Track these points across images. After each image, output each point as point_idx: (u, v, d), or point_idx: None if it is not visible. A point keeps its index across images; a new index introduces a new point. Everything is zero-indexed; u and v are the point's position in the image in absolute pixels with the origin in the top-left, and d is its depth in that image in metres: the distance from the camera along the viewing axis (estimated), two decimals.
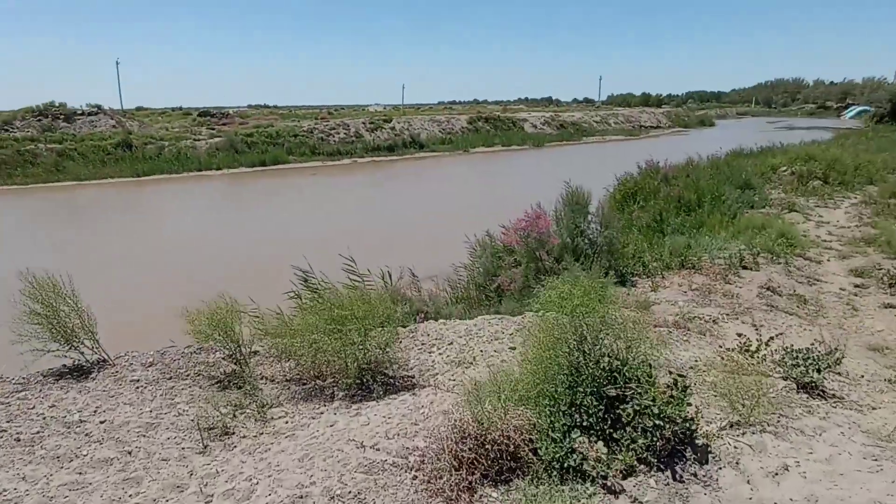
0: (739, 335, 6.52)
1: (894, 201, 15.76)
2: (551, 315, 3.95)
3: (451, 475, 3.33)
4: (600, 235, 10.70)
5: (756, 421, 4.14)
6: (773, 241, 11.51)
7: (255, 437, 4.51)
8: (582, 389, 3.32)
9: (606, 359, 3.44)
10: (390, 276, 9.99)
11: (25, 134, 37.42)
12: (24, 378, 5.50)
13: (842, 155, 22.13)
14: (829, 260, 11.21)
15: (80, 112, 42.70)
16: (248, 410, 4.91)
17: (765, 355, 6.02)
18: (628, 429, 3.17)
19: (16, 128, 38.98)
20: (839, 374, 5.96)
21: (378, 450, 3.94)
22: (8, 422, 4.64)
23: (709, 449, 3.51)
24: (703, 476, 3.34)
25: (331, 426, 4.50)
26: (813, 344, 6.28)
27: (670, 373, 3.78)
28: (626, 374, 3.32)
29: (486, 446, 3.31)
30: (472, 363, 5.65)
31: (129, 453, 4.16)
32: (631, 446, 3.11)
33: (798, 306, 8.79)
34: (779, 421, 4.34)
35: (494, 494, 3.29)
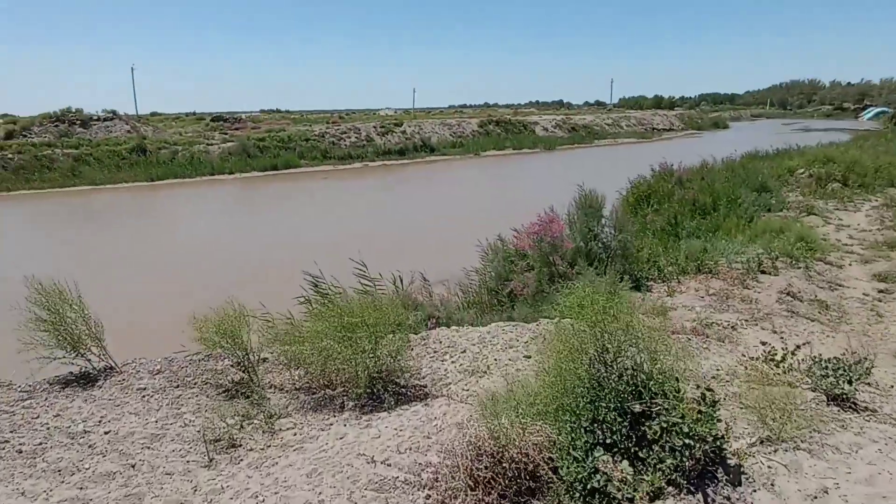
0: (764, 343, 6.29)
1: None
2: (569, 323, 3.77)
3: (467, 495, 3.15)
4: (614, 239, 10.49)
5: (788, 437, 3.90)
6: (791, 244, 11.22)
7: (263, 449, 4.36)
8: (605, 404, 3.12)
9: (630, 371, 3.24)
10: (401, 280, 9.86)
11: (43, 139, 37.97)
12: (30, 386, 5.42)
13: (861, 157, 21.66)
14: (850, 264, 10.89)
15: (96, 118, 43.25)
16: (255, 421, 4.77)
17: (791, 365, 5.77)
18: (655, 447, 2.96)
19: (34, 133, 39.63)
20: (869, 384, 5.70)
21: (389, 465, 3.77)
22: (11, 432, 4.55)
23: (741, 469, 3.30)
24: (737, 500, 3.11)
25: (340, 439, 4.34)
26: (843, 354, 6.01)
27: (698, 386, 3.57)
28: (652, 388, 3.12)
29: (504, 465, 3.12)
30: (486, 372, 5.47)
31: (133, 466, 4.03)
32: (659, 466, 2.91)
33: (820, 312, 8.52)
34: (812, 437, 4.10)
35: None
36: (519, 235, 11.14)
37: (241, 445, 4.45)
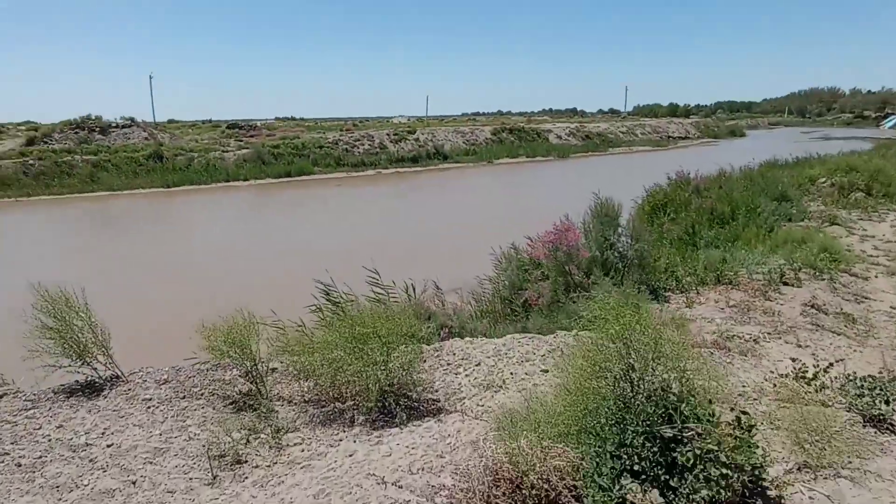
0: (794, 360, 6.00)
1: None
2: (590, 337, 3.54)
3: None
4: (631, 248, 10.25)
5: (827, 463, 3.64)
6: (814, 255, 10.88)
7: (269, 466, 4.18)
8: (632, 428, 2.89)
9: (659, 392, 3.01)
10: (414, 289, 9.70)
11: (63, 146, 38.63)
12: (34, 395, 5.32)
13: (885, 166, 21.10)
14: (876, 276, 10.52)
15: (114, 125, 43.95)
16: (262, 436, 4.61)
17: (823, 383, 5.47)
18: (688, 476, 2.73)
19: (55, 140, 40.35)
20: None
21: (401, 487, 3.57)
22: (12, 443, 4.43)
23: (782, 501, 3.05)
24: None
25: (350, 456, 4.15)
26: (881, 372, 5.71)
27: (732, 408, 3.33)
28: (684, 411, 2.88)
29: (524, 491, 2.91)
30: (501, 387, 5.26)
31: (134, 483, 3.87)
32: (692, 497, 2.67)
33: (846, 326, 8.20)
34: (850, 462, 3.83)
35: None
36: (533, 244, 10.94)
37: (246, 462, 4.28)
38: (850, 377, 5.37)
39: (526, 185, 35.78)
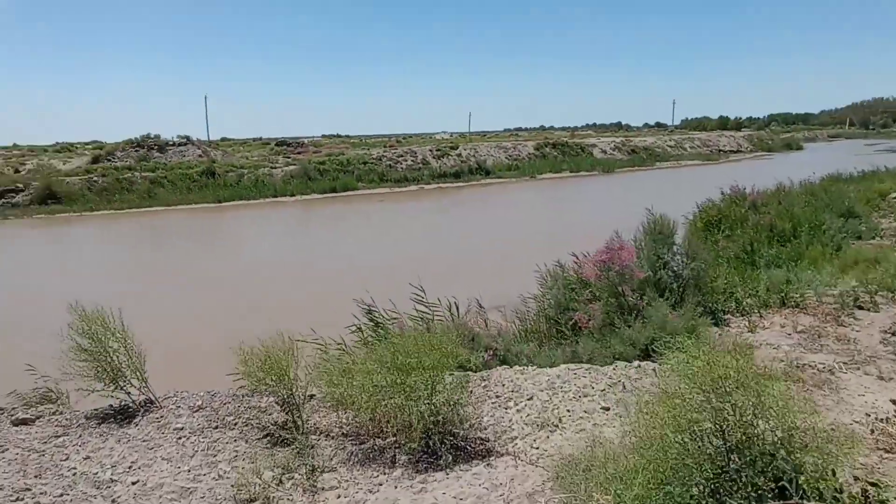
0: (894, 402, 5.35)
1: None
2: (674, 381, 3.03)
3: None
4: (686, 268, 9.71)
5: None
6: (892, 276, 10.00)
7: None
8: (734, 502, 2.43)
9: (767, 457, 2.54)
10: (457, 307, 9.47)
11: (125, 163, 40.88)
12: (67, 419, 5.24)
13: None
14: None
15: (171, 143, 46.23)
16: (296, 476, 4.30)
17: None
18: None
19: (117, 158, 42.82)
20: None
21: None
22: (36, 476, 4.30)
23: None
24: None
25: None
26: None
27: (856, 478, 2.80)
28: (802, 484, 2.39)
29: None
30: (557, 426, 4.77)
31: None
32: None
33: None
34: None
35: None
36: (580, 261, 10.54)
37: None
38: None
39: (569, 200, 35.12)
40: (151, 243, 25.23)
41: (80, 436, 5.00)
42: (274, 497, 4.11)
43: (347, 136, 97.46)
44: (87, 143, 66.41)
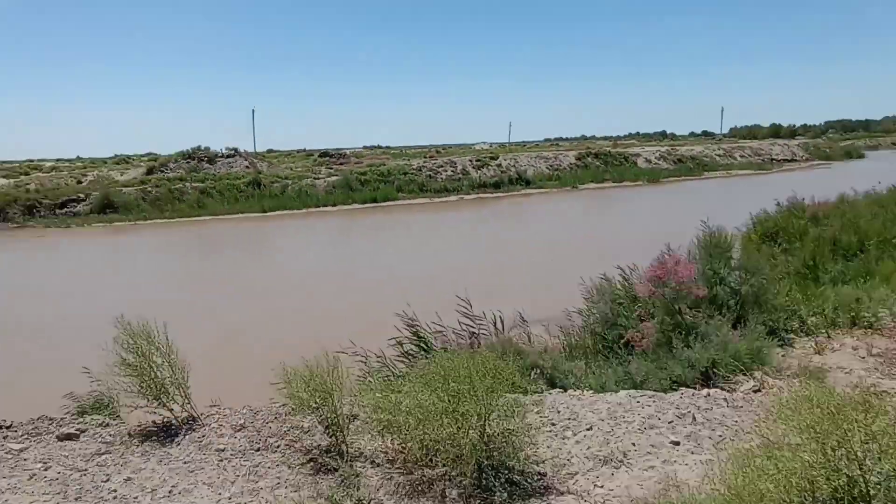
0: None
1: None
2: (778, 413, 2.56)
3: None
4: (745, 284, 9.14)
5: None
6: None
7: None
8: None
9: None
10: (502, 322, 9.20)
11: (176, 174, 42.63)
12: (111, 435, 5.24)
13: None
14: None
15: (220, 154, 47.98)
16: None
17: None
18: None
19: (170, 169, 44.73)
20: None
21: None
22: (76, 499, 4.25)
23: None
24: None
25: None
26: None
27: None
28: None
29: None
30: (622, 461, 4.38)
31: None
32: None
33: None
34: None
35: None
36: (627, 275, 10.10)
37: None
38: None
39: (613, 212, 34.29)
40: (199, 252, 26.06)
41: (123, 454, 4.97)
42: None
43: (388, 148, 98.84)
44: (142, 155, 69.83)
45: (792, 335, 8.87)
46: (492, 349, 7.36)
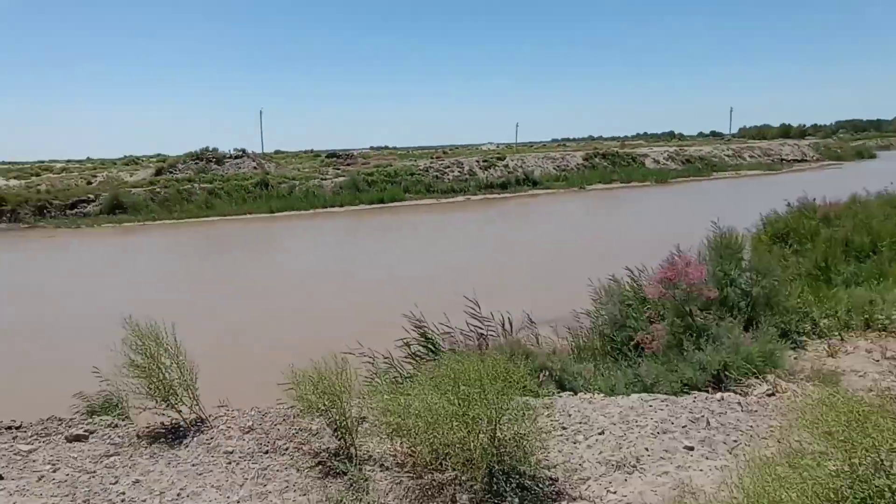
0: None
1: None
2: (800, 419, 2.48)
3: None
4: (756, 285, 9.03)
5: None
6: None
7: None
8: None
9: None
10: (511, 323, 9.14)
11: (185, 175, 42.89)
12: (119, 436, 5.23)
13: None
14: None
15: (228, 156, 48.24)
16: None
17: None
18: None
19: (178, 170, 44.99)
20: None
21: None
22: (85, 502, 4.25)
23: None
24: None
25: None
26: None
27: None
28: None
29: None
30: (635, 467, 4.30)
31: None
32: None
33: None
34: None
35: None
36: (636, 276, 10.03)
37: None
38: None
39: (620, 212, 34.10)
40: (208, 253, 26.16)
41: (131, 456, 4.96)
42: None
43: (395, 148, 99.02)
44: (151, 157, 70.38)
45: (804, 337, 8.76)
46: (500, 351, 7.30)
